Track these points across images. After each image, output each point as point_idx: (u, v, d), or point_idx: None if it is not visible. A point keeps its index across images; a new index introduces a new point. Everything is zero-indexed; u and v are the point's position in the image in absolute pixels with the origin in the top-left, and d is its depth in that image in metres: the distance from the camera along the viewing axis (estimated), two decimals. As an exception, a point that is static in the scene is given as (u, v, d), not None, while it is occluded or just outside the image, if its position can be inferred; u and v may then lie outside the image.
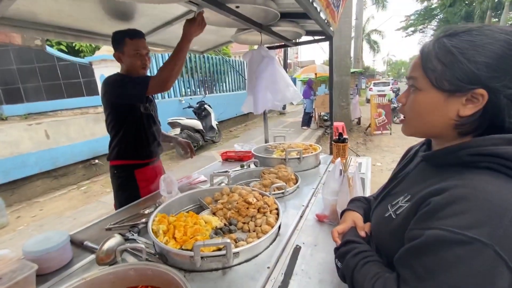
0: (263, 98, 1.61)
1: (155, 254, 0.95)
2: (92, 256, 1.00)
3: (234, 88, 10.41)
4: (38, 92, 5.51)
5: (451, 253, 0.48)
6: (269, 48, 2.29)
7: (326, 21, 1.74)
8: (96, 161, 4.98)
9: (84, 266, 0.96)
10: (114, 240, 0.94)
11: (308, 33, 1.99)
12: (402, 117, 0.73)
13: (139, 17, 1.60)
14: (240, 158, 2.30)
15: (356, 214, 0.88)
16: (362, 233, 0.80)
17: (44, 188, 4.28)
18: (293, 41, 2.16)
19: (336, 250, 0.78)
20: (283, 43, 2.23)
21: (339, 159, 1.16)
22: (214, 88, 9.22)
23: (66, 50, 5.85)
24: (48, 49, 5.32)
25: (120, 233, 1.11)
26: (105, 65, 5.11)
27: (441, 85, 0.58)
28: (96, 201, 3.91)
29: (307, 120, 8.95)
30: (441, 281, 0.49)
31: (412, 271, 0.53)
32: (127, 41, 1.53)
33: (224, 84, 9.78)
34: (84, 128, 4.83)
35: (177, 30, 1.88)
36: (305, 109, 8.96)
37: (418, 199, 0.60)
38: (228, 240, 0.82)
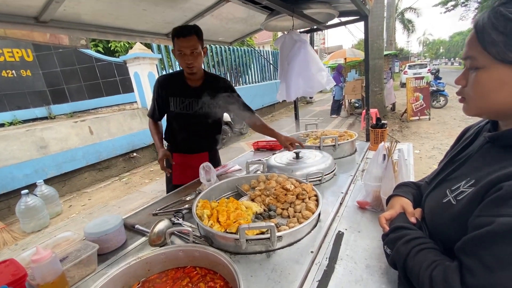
0: (295, 85, 1.58)
1: (201, 237, 1.00)
2: (144, 238, 1.08)
3: (259, 79, 10.36)
4: (80, 92, 5.97)
5: None
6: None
7: (362, 0, 1.64)
8: (134, 154, 5.31)
9: (137, 247, 1.04)
10: (163, 224, 1.00)
11: (342, 14, 1.90)
12: (459, 97, 0.67)
13: (172, 11, 1.63)
14: (272, 147, 2.30)
15: (404, 199, 0.83)
16: (413, 219, 0.76)
17: (90, 179, 4.68)
18: (325, 24, 2.07)
19: (385, 236, 0.75)
20: (314, 27, 2.15)
21: (382, 143, 1.10)
22: (240, 79, 9.25)
23: (103, 51, 6.22)
24: (87, 50, 5.71)
25: (166, 218, 1.18)
26: (138, 62, 5.35)
27: (505, 57, 0.53)
28: (136, 191, 4.19)
29: (336, 107, 8.65)
30: None
31: (479, 261, 0.50)
32: (175, 40, 1.52)
33: (250, 75, 9.77)
34: (123, 123, 5.16)
35: (208, 22, 1.91)
36: (334, 97, 8.65)
37: (485, 184, 0.55)
38: (273, 224, 0.83)
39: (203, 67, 1.69)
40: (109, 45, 6.27)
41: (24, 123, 5.46)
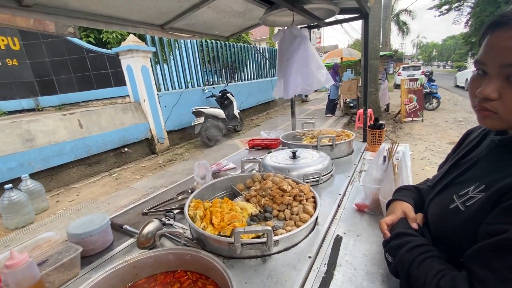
0: (293, 82, 1.52)
1: (192, 239, 0.94)
2: (132, 240, 1.02)
3: (255, 76, 10.27)
4: (70, 84, 5.79)
5: None
6: (298, 29, 2.17)
7: (363, -4, 1.60)
8: (126, 149, 5.18)
9: (125, 249, 0.98)
10: (153, 225, 0.95)
11: (342, 11, 1.85)
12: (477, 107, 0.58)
13: (166, 0, 1.56)
14: (267, 145, 2.25)
15: (405, 204, 0.80)
16: (415, 225, 0.73)
17: (79, 174, 4.55)
18: (325, 20, 2.02)
19: (386, 243, 0.72)
20: (313, 24, 2.10)
21: (383, 144, 1.07)
22: (236, 76, 9.15)
23: (94, 42, 6.03)
24: (77, 41, 5.52)
25: (156, 218, 1.12)
26: (131, 55, 5.21)
27: None
28: (127, 187, 4.09)
29: (331, 107, 8.66)
30: None
31: (492, 271, 0.46)
32: None
33: (245, 72, 9.67)
34: (114, 117, 5.02)
35: (205, 14, 1.83)
36: (329, 96, 8.65)
37: (498, 190, 0.52)
38: (269, 228, 0.78)
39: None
40: (101, 36, 6.07)
41: (10, 115, 5.26)
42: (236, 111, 6.95)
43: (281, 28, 1.74)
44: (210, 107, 6.11)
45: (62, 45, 5.49)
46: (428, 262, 0.59)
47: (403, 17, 30.14)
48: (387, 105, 8.75)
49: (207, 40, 7.54)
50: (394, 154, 1.00)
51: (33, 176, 3.65)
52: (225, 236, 0.88)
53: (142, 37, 5.56)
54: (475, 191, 0.58)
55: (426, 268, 0.58)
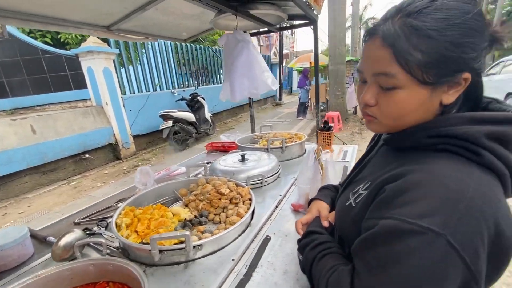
0: (240, 85, 1.54)
1: (118, 248, 0.91)
2: (53, 252, 0.96)
3: (228, 79, 10.24)
4: (24, 86, 5.39)
5: (402, 244, 0.44)
6: (253, 34, 2.21)
7: (307, 3, 1.66)
8: (87, 155, 4.91)
9: (44, 262, 0.92)
10: (73, 235, 0.90)
11: (291, 17, 1.91)
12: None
13: (109, 1, 1.51)
14: (226, 149, 2.25)
15: (321, 203, 0.84)
16: (325, 223, 0.76)
17: (32, 184, 4.22)
18: (276, 26, 2.07)
19: (299, 242, 0.74)
20: (266, 29, 2.15)
21: (313, 145, 1.11)
22: (208, 80, 9.08)
23: (51, 43, 5.68)
24: (32, 41, 5.17)
25: (87, 228, 1.08)
26: (92, 57, 4.96)
27: (426, 79, 0.49)
28: (86, 195, 3.87)
29: (302, 110, 8.87)
30: (392, 274, 0.45)
31: (364, 263, 0.50)
32: None
33: (218, 75, 9.63)
34: (73, 122, 4.74)
35: (153, 16, 1.80)
36: (299, 99, 8.87)
37: (375, 186, 0.56)
38: (187, 233, 0.78)
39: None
40: (59, 37, 5.73)
41: (-48, 120, 4.77)
42: (208, 115, 6.88)
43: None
44: (179, 111, 5.98)
45: (14, 45, 5.11)
46: (326, 259, 0.62)
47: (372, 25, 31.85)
48: (355, 108, 9.13)
49: (176, 42, 7.42)
50: (320, 154, 1.04)
51: (-24, 187, 3.33)
52: (148, 243, 0.86)
53: (105, 38, 5.33)
54: (363, 188, 0.62)
55: (322, 265, 0.61)
